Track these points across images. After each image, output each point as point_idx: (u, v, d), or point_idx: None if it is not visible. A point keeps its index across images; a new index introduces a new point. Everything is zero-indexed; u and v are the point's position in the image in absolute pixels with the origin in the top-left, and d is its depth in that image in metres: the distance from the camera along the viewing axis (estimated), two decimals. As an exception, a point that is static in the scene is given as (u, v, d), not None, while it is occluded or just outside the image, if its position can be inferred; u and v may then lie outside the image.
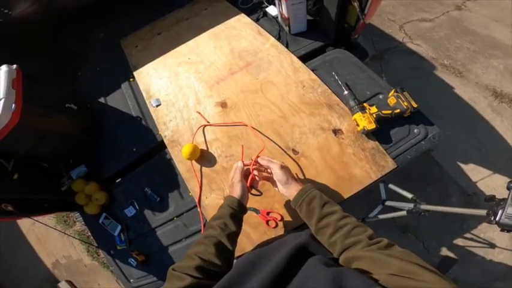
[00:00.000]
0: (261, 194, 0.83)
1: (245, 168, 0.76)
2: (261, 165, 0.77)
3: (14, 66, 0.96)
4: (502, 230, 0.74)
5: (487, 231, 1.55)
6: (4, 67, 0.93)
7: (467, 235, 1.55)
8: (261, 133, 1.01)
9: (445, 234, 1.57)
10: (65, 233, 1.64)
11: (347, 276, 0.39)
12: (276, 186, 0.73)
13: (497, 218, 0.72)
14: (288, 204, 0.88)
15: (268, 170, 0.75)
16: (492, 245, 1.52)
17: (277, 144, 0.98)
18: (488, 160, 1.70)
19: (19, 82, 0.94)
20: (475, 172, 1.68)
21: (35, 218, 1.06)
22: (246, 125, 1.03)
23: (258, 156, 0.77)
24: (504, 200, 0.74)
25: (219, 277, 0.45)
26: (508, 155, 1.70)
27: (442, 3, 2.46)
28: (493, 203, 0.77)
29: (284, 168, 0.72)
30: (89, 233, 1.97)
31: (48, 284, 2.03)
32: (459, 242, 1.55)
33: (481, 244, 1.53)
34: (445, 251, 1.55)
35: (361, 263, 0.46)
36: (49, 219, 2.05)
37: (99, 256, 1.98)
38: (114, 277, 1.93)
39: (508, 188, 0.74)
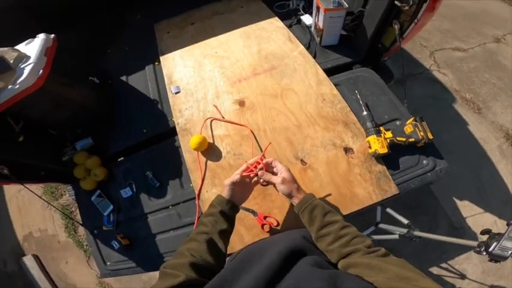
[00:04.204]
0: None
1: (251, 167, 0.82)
2: (267, 165, 0.81)
3: (52, 35, 1.09)
4: (490, 260, 0.87)
5: (462, 262, 1.67)
6: (42, 35, 1.07)
7: (443, 264, 1.68)
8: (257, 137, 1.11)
9: (424, 261, 1.69)
10: (49, 203, 1.72)
11: (342, 278, 0.44)
12: (278, 189, 0.77)
13: (490, 249, 0.85)
14: (286, 212, 0.97)
15: (274, 170, 0.81)
16: (463, 276, 1.64)
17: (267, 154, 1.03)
18: (483, 200, 1.82)
19: (52, 51, 1.08)
20: (468, 209, 1.81)
21: (26, 185, 1.14)
22: (246, 127, 1.13)
23: (264, 156, 0.83)
24: (500, 234, 0.87)
25: (212, 275, 0.50)
26: (503, 198, 1.82)
27: (481, 33, 2.55)
28: (487, 236, 0.91)
29: (290, 172, 0.79)
30: (73, 209, 2.06)
31: (12, 256, 2.10)
32: (434, 270, 1.68)
33: (453, 274, 1.65)
34: (418, 278, 1.66)
35: (358, 268, 0.52)
36: (36, 188, 2.15)
37: (76, 234, 2.06)
38: (85, 257, 2.00)
39: (508, 225, 0.87)
